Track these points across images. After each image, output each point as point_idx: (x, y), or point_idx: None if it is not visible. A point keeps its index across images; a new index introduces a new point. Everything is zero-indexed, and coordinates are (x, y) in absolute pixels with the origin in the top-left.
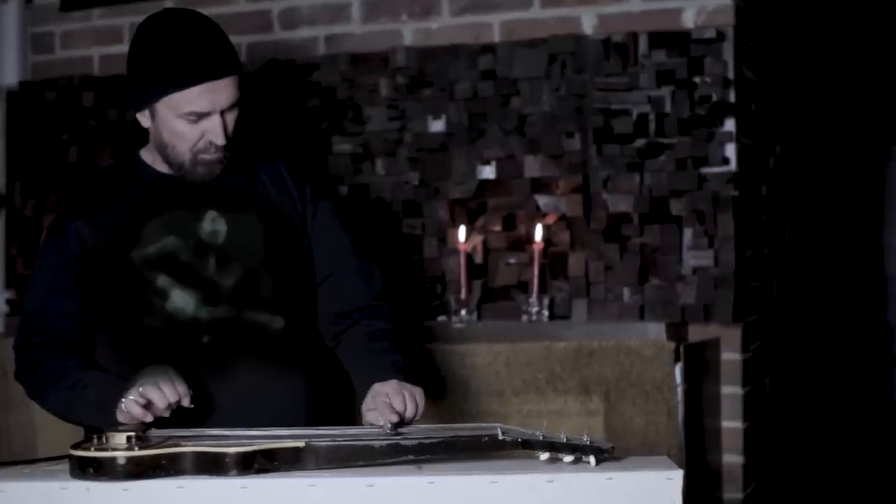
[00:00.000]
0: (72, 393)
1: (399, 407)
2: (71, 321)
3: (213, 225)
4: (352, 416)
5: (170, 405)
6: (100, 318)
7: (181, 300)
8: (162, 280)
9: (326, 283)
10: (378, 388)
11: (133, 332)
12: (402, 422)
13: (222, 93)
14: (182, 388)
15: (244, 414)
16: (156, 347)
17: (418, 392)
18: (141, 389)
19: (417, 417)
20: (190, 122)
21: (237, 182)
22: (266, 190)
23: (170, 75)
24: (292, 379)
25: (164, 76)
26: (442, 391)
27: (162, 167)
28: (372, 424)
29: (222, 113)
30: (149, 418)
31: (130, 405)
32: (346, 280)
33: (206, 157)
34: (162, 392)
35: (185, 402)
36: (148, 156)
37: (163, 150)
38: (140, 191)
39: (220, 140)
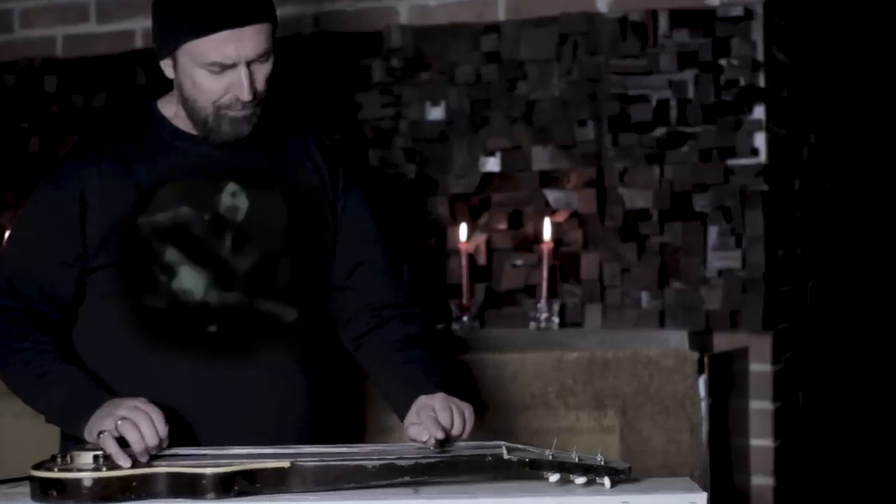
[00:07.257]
0: (38, 382)
1: (446, 423)
2: (53, 291)
3: (233, 200)
4: (359, 421)
5: (147, 450)
6: (92, 291)
7: (190, 280)
8: (171, 254)
9: (354, 276)
10: (424, 400)
11: (131, 311)
12: (447, 439)
13: (249, 42)
14: (162, 428)
15: (245, 413)
16: (155, 332)
17: (467, 409)
18: (119, 424)
19: (465, 436)
20: (213, 73)
21: (262, 157)
22: (293, 171)
23: (190, 20)
24: (299, 377)
25: (185, 21)
26: None
27: (182, 124)
28: (414, 440)
29: (249, 65)
30: (126, 462)
31: (107, 442)
32: (376, 272)
33: (232, 113)
34: (140, 434)
35: (164, 445)
36: (168, 109)
37: (185, 105)
38: (157, 149)
39: (246, 95)
